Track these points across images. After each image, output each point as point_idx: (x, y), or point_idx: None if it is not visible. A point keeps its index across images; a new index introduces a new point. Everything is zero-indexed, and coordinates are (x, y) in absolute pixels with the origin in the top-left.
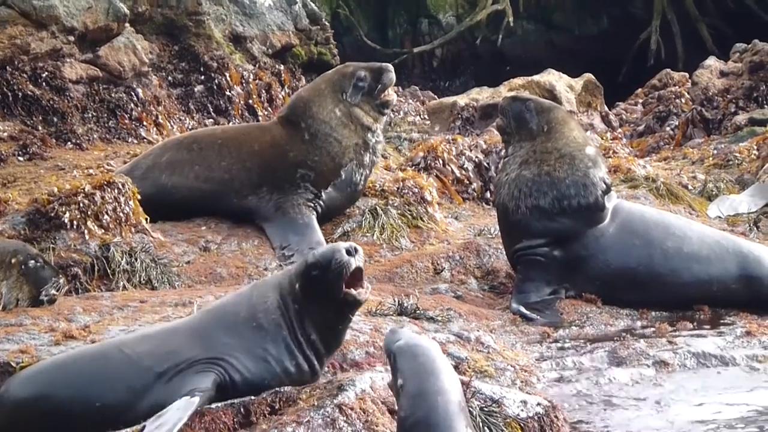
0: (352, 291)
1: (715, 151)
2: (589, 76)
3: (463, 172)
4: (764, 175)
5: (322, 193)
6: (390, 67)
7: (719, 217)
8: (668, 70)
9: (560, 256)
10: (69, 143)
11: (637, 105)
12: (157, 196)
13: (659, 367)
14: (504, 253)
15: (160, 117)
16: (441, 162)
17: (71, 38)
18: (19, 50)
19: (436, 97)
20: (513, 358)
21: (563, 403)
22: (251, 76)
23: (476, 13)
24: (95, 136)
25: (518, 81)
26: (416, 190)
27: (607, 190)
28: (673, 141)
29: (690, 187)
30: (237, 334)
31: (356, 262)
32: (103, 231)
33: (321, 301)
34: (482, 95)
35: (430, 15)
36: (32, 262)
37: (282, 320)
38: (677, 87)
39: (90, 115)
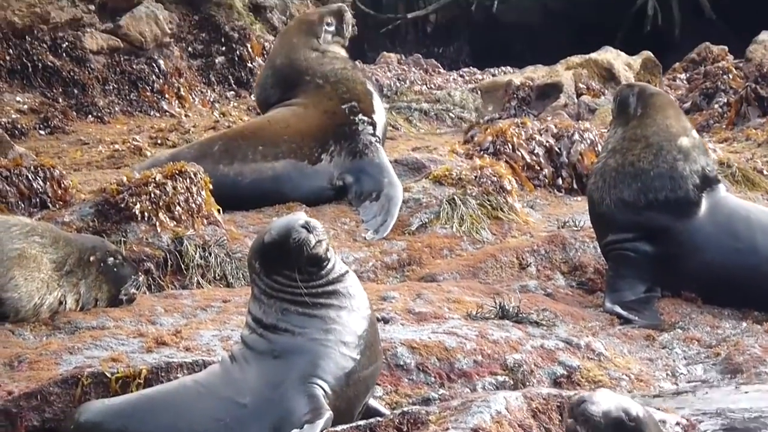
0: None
1: None
2: (647, 53)
3: (534, 157)
4: None
5: (374, 118)
6: (344, 6)
7: None
8: (707, 43)
9: (652, 251)
10: (90, 116)
11: (675, 80)
12: (216, 189)
13: None
14: (590, 246)
15: (182, 89)
16: (510, 147)
17: (91, 7)
18: (39, 19)
19: (439, 66)
20: (625, 365)
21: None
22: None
23: None
24: (117, 108)
25: (575, 59)
26: (495, 178)
27: (704, 184)
28: (723, 119)
29: (765, 172)
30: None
31: (314, 237)
32: (175, 223)
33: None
34: (537, 74)
35: None
36: (111, 259)
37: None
38: (724, 62)
39: (111, 87)
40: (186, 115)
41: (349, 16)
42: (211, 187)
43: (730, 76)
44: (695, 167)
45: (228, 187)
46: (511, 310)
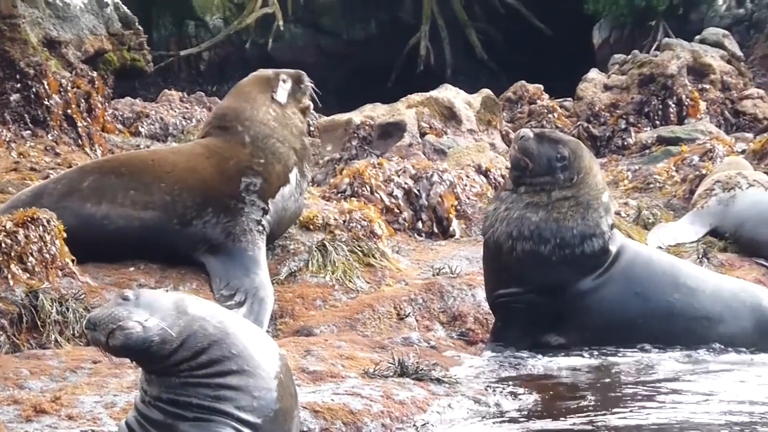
0: None
1: (629, 174)
2: (487, 92)
3: (393, 200)
4: (700, 201)
5: (270, 206)
6: (304, 73)
7: (660, 247)
8: (523, 82)
9: (548, 304)
10: None
11: None
12: (81, 228)
13: None
14: (468, 294)
15: None
16: (369, 189)
17: None
18: None
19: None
20: None
21: None
22: (69, 84)
23: (245, 16)
24: None
25: (416, 97)
26: (364, 222)
27: (611, 234)
28: None
29: (623, 214)
30: None
31: (102, 333)
32: (28, 275)
33: None
34: (377, 112)
35: (196, 17)
36: None
37: None
38: (541, 101)
39: None
40: None
41: (306, 82)
42: (65, 235)
43: (556, 115)
44: (610, 220)
45: (93, 230)
46: (410, 366)
